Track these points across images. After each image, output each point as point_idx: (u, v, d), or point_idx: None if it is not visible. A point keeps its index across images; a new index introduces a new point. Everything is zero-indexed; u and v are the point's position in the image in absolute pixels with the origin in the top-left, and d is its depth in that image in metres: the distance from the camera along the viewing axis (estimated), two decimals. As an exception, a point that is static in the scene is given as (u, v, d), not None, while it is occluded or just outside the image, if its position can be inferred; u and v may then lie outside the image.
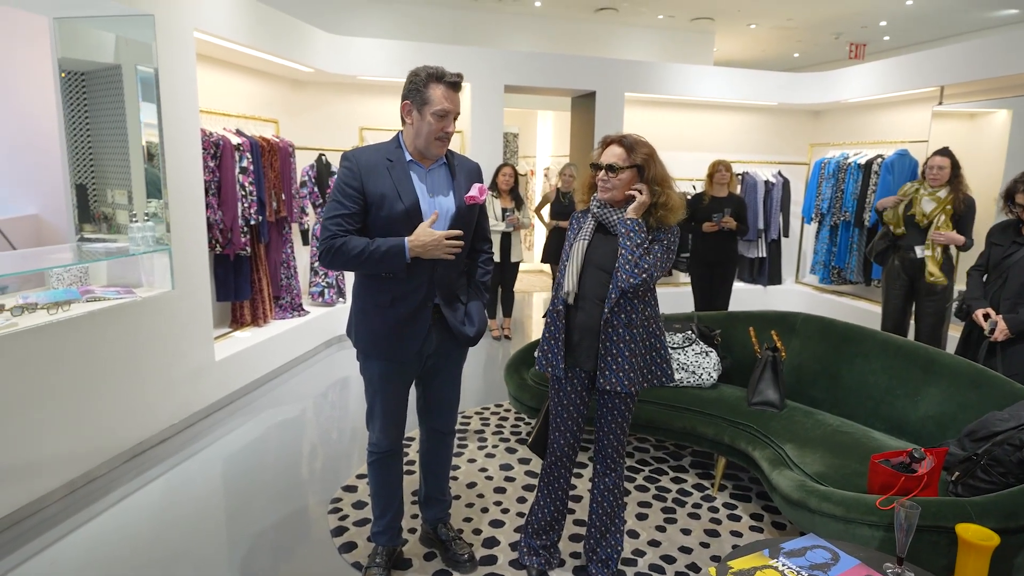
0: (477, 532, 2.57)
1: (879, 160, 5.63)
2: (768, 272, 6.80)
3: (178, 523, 2.63)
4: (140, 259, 3.43)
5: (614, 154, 2.01)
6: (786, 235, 6.79)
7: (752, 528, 2.68)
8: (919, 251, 3.93)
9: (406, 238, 1.93)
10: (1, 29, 5.45)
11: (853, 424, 2.76)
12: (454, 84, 1.95)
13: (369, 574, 2.21)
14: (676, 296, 6.44)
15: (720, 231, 4.66)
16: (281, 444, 3.42)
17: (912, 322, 4.21)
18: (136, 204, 3.63)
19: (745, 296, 6.61)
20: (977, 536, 1.16)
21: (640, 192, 1.99)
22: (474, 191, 2.04)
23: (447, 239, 1.95)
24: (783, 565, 1.42)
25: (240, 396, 4.04)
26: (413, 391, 2.24)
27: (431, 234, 1.93)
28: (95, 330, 2.90)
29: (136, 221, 3.40)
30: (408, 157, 2.02)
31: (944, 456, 2.11)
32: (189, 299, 3.53)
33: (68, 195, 3.76)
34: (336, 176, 2.01)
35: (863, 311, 5.75)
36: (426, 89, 1.93)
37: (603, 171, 2.02)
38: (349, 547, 2.46)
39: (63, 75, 3.61)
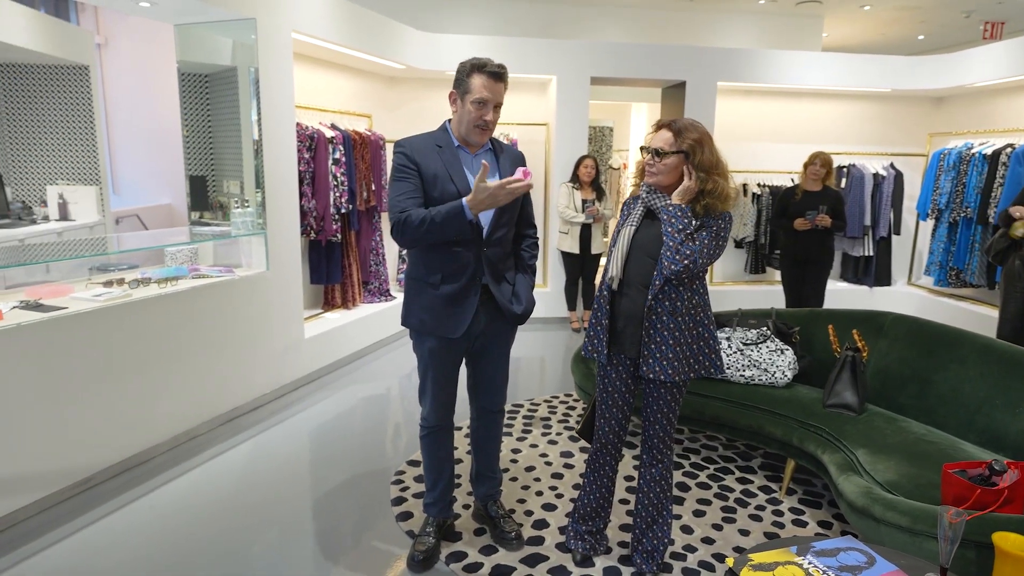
0: (529, 513, 2.62)
1: (1008, 150, 5.05)
2: (875, 272, 6.30)
3: (260, 480, 2.89)
4: (241, 242, 3.76)
5: (662, 138, 1.99)
6: (897, 232, 6.25)
7: (817, 535, 2.54)
8: (1042, 249, 3.51)
9: (463, 198, 1.96)
10: (140, 38, 6.15)
11: (941, 434, 2.54)
12: (495, 74, 2.02)
13: (420, 542, 2.32)
14: (766, 294, 6.14)
15: (814, 228, 4.38)
16: (360, 418, 3.65)
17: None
18: (246, 193, 3.99)
19: (848, 297, 6.18)
20: (1016, 546, 1.05)
21: (690, 177, 1.95)
22: (519, 173, 2.08)
23: (507, 185, 1.91)
24: (809, 563, 1.36)
25: (327, 372, 4.34)
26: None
27: (485, 188, 1.91)
28: (198, 304, 3.23)
29: (239, 207, 3.74)
30: (455, 143, 2.12)
31: (1033, 471, 1.89)
32: (282, 280, 3.84)
33: (184, 185, 4.20)
34: (392, 162, 2.13)
35: (984, 317, 5.19)
36: (468, 79, 2.02)
37: (650, 155, 2.00)
38: (406, 516, 2.60)
39: (185, 76, 4.02)
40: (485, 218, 2.10)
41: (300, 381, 4.07)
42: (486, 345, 2.25)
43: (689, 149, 1.95)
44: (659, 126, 2.02)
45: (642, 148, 2.04)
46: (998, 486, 1.81)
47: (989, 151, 5.21)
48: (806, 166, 4.49)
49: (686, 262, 1.91)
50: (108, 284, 2.99)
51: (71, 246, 3.80)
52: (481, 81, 2.01)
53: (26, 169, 5.27)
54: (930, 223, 5.94)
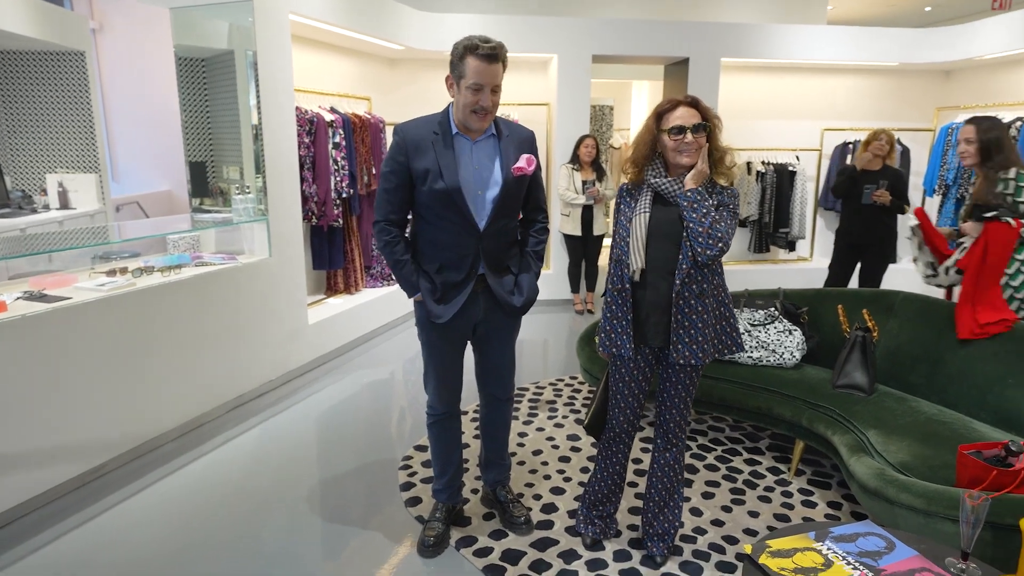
0: (537, 497, 2.62)
1: (1018, 124, 4.98)
2: (881, 250, 6.24)
3: (268, 466, 2.89)
4: (242, 229, 3.73)
5: (694, 115, 1.93)
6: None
7: (827, 516, 2.54)
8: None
9: (420, 293, 2.09)
10: (135, 22, 6.06)
11: (953, 414, 2.52)
12: (488, 56, 1.89)
13: (429, 528, 2.32)
14: (770, 274, 6.11)
15: (872, 206, 4.18)
16: (365, 403, 3.64)
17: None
18: (246, 179, 3.94)
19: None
20: (1044, 532, 1.04)
21: (705, 159, 1.92)
22: (522, 162, 2.03)
23: None
24: (828, 549, 1.35)
25: (332, 358, 4.33)
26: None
27: None
28: (201, 292, 3.21)
29: (240, 194, 3.70)
30: (455, 130, 2.03)
31: (1049, 451, 1.88)
32: (284, 266, 3.81)
33: (184, 171, 4.15)
34: (389, 147, 2.08)
35: (990, 294, 5.15)
36: (462, 62, 1.91)
37: (687, 134, 1.91)
38: (414, 501, 2.60)
39: (182, 61, 3.96)
40: (483, 211, 2.04)
41: (305, 367, 4.06)
42: (489, 334, 2.22)
43: (716, 120, 1.92)
44: (677, 103, 1.94)
45: (676, 128, 1.91)
46: (1015, 467, 1.79)
47: (998, 125, 5.13)
48: (867, 143, 4.27)
49: (720, 244, 1.89)
50: (111, 273, 2.97)
51: (73, 235, 3.77)
52: (474, 64, 1.88)
53: (25, 158, 5.22)
54: (937, 199, 5.87)
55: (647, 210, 1.99)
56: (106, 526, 2.43)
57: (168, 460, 2.92)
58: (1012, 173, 2.75)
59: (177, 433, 3.14)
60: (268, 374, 3.71)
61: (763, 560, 1.31)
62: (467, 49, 1.91)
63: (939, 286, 3.05)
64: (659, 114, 1.99)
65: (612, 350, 2.06)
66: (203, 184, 4.32)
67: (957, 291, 2.87)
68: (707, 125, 1.93)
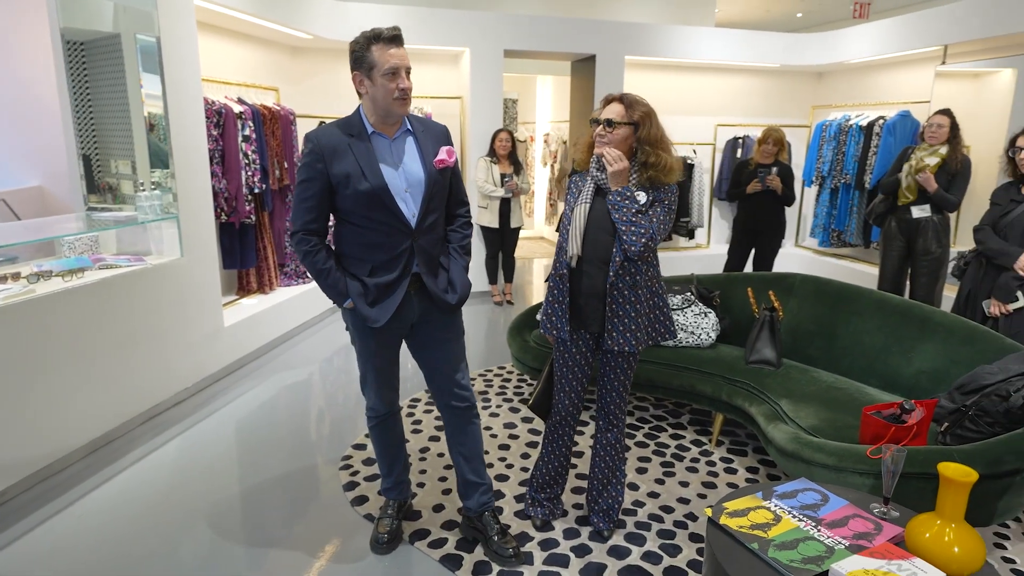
0: (484, 486, 2.67)
1: (881, 122, 5.62)
2: (768, 236, 6.82)
3: (195, 480, 2.74)
4: (148, 228, 3.48)
5: (613, 110, 2.05)
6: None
7: (748, 480, 2.79)
8: (916, 211, 3.97)
9: (351, 299, 2.02)
10: (-4, -3, 5.38)
11: (847, 380, 2.85)
12: (393, 39, 1.89)
13: (381, 525, 2.32)
14: (671, 261, 6.50)
15: (765, 192, 4.55)
16: (291, 406, 3.53)
17: (908, 283, 4.27)
18: (140, 174, 3.65)
19: (745, 260, 6.65)
20: (957, 473, 1.24)
21: (616, 161, 2.00)
22: (442, 154, 2.03)
23: None
24: (775, 506, 1.51)
25: (250, 360, 4.14)
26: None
27: None
28: (109, 296, 2.97)
29: (143, 190, 3.44)
30: (371, 130, 1.98)
31: (934, 408, 2.19)
32: (197, 266, 3.59)
33: (75, 166, 3.78)
34: (301, 157, 2.00)
35: (862, 273, 5.81)
36: (369, 53, 1.89)
37: (600, 126, 2.04)
38: (361, 500, 2.57)
39: (65, 44, 3.59)
40: (412, 208, 2.00)
41: (223, 371, 3.86)
42: (428, 337, 2.15)
43: (639, 120, 2.03)
44: (609, 99, 2.08)
45: (592, 120, 2.07)
46: (908, 423, 2.07)
47: (864, 123, 5.76)
48: (760, 143, 4.66)
49: (644, 240, 1.99)
50: (2, 280, 2.68)
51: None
52: (386, 50, 1.87)
53: None
54: (814, 189, 6.50)
55: (588, 201, 2.10)
56: (9, 560, 2.21)
57: (78, 482, 2.69)
58: None
59: (86, 451, 2.89)
60: (184, 381, 3.50)
61: (723, 521, 1.45)
62: (370, 39, 1.89)
63: None
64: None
65: (552, 332, 2.17)
66: (89, 179, 3.96)
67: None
68: (613, 122, 2.02)
